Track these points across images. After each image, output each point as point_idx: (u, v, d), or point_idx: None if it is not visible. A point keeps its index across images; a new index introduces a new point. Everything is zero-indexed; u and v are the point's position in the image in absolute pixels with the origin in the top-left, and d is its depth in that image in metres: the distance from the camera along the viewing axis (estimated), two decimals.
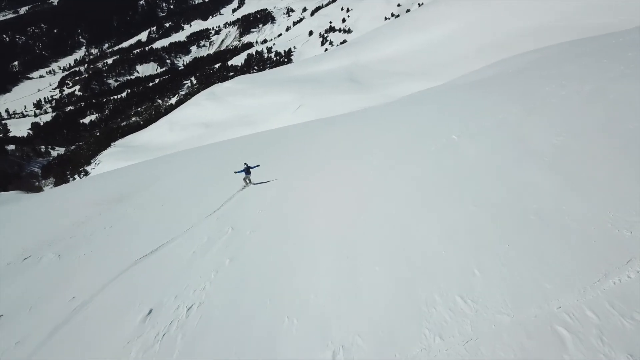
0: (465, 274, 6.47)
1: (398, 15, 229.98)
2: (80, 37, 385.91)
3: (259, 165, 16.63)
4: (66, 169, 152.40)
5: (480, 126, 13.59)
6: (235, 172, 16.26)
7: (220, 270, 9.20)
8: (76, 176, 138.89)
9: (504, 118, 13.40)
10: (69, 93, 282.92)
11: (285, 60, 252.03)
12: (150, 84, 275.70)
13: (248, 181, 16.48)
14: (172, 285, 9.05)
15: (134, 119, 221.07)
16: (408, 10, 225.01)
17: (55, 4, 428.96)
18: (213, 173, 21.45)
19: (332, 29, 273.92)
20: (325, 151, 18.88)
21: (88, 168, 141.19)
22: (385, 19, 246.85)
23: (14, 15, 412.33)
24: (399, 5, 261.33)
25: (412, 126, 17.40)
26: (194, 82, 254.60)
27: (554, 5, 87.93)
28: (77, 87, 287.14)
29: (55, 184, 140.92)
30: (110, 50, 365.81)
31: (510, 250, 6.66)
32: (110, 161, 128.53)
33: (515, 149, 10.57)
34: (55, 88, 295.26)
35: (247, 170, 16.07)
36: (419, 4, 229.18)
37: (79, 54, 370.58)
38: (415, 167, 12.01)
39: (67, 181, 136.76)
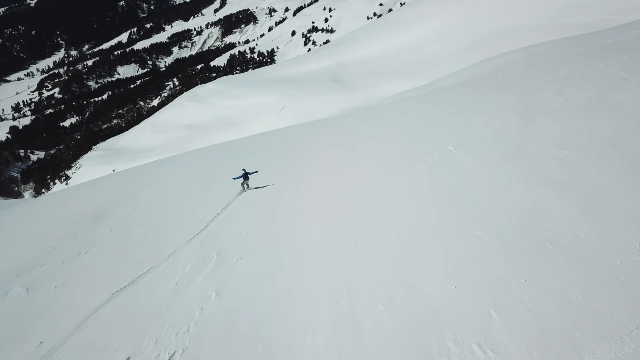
0: (481, 316, 5.80)
1: (380, 15, 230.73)
2: (59, 39, 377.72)
3: (257, 172, 17.16)
4: (46, 174, 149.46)
5: (476, 136, 13.01)
6: (234, 178, 17.05)
7: (206, 307, 8.34)
8: (57, 181, 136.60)
9: (501, 127, 12.84)
10: (48, 96, 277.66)
11: (268, 60, 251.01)
12: (132, 86, 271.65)
13: (246, 186, 17.09)
14: (152, 326, 8.14)
15: (115, 121, 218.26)
16: (390, 10, 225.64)
17: (32, 5, 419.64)
18: (198, 184, 20.55)
19: (314, 29, 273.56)
20: (314, 162, 18.15)
21: (69, 172, 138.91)
22: (368, 18, 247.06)
23: None
24: (381, 4, 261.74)
25: (405, 133, 16.72)
26: (176, 83, 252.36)
27: (537, 5, 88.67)
28: (57, 89, 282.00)
29: (35, 189, 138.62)
30: (90, 51, 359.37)
31: (528, 286, 6.01)
32: (91, 165, 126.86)
33: (517, 164, 9.94)
34: (34, 91, 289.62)
35: (246, 176, 16.75)
36: (401, 3, 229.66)
37: (58, 55, 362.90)
38: (413, 182, 11.31)
39: (47, 186, 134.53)
